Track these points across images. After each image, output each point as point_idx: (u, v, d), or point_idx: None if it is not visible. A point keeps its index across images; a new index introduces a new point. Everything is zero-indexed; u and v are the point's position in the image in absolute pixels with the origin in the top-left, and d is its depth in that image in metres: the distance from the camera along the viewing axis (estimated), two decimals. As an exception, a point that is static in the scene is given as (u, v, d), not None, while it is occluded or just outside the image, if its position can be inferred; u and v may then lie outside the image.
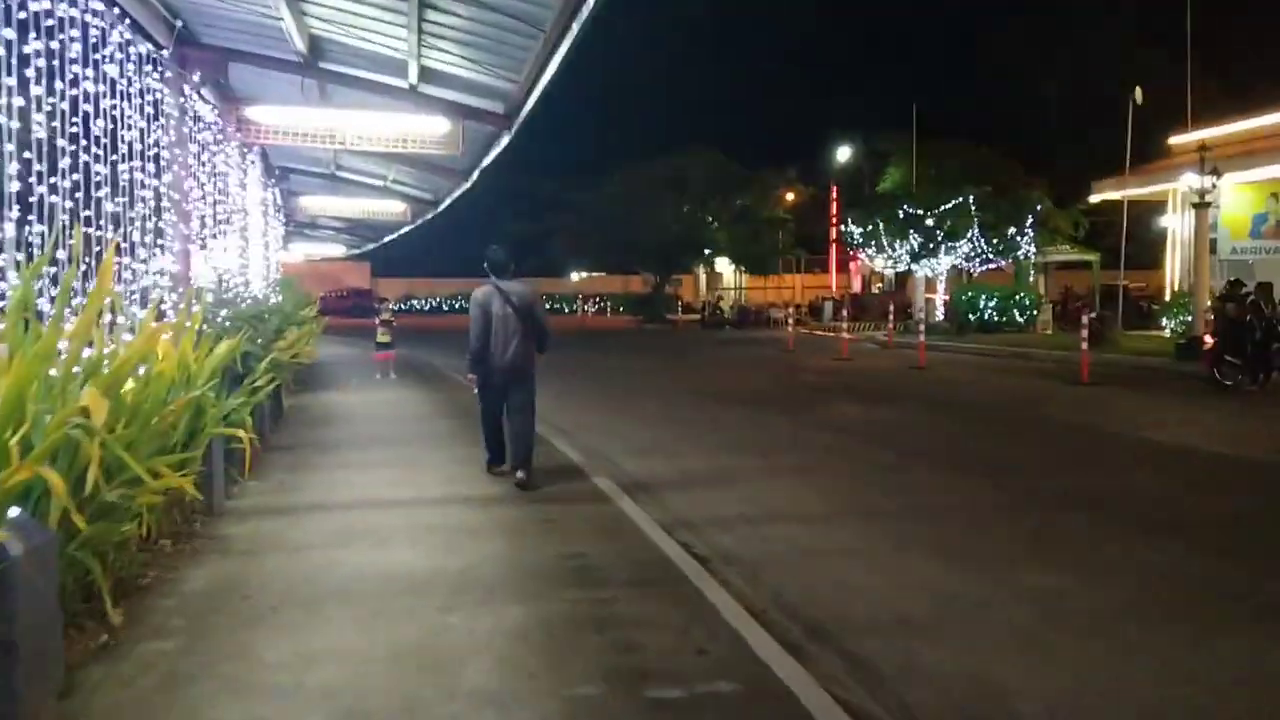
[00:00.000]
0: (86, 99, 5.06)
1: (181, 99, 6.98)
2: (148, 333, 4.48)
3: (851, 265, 41.90)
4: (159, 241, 6.50)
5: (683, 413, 13.90)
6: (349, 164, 15.04)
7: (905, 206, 30.84)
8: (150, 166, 6.35)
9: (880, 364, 22.69)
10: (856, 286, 42.28)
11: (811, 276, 50.69)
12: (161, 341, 5.91)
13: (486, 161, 11.55)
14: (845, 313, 25.27)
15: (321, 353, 25.50)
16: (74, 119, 4.94)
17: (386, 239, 27.33)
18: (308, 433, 11.02)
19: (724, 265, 55.71)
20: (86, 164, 5.11)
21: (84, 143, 5.04)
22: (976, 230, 29.17)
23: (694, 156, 44.91)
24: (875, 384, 18.35)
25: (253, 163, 11.48)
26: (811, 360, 23.75)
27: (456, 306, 64.44)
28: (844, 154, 48.34)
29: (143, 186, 6.21)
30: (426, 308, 66.25)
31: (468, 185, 13.32)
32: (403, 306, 55.41)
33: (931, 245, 30.18)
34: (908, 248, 31.24)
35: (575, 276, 68.61)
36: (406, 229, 22.86)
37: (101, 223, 5.56)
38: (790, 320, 28.35)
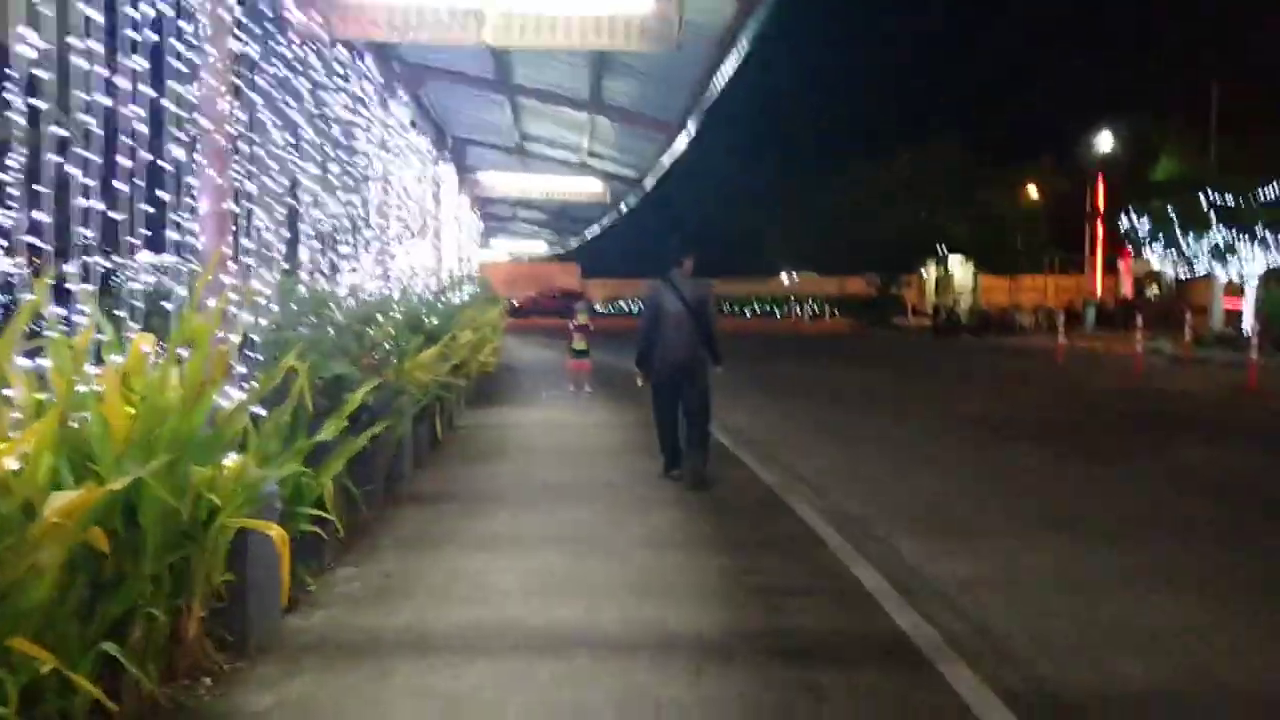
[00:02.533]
0: None
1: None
2: None
3: (1121, 265, 35.98)
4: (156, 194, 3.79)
5: (956, 452, 10.29)
6: (536, 132, 12.39)
7: (1211, 193, 25.12)
8: (138, 61, 3.67)
9: (1191, 385, 17.92)
10: (1126, 289, 36.31)
11: (1064, 278, 44.65)
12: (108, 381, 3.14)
13: (714, 89, 8.11)
14: (1139, 320, 20.43)
15: (523, 356, 23.48)
16: None
17: (589, 233, 24.82)
18: (461, 473, 8.30)
19: (955, 264, 50.37)
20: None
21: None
22: (1312, 223, 23.25)
23: (933, 151, 40.21)
24: (1206, 415, 13.93)
25: (410, 124, 8.93)
26: (1096, 378, 19.26)
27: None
28: (1105, 142, 42.13)
29: (109, 92, 3.51)
30: (634, 310, 64.35)
31: (683, 143, 10.15)
32: (609, 309, 53.67)
33: (1248, 240, 24.41)
34: (1208, 244, 25.58)
35: (786, 278, 64.82)
36: (609, 220, 20.16)
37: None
38: (1060, 328, 23.62)
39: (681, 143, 9.88)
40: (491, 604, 4.78)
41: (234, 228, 4.44)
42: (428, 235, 10.54)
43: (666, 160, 11.24)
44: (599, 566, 5.39)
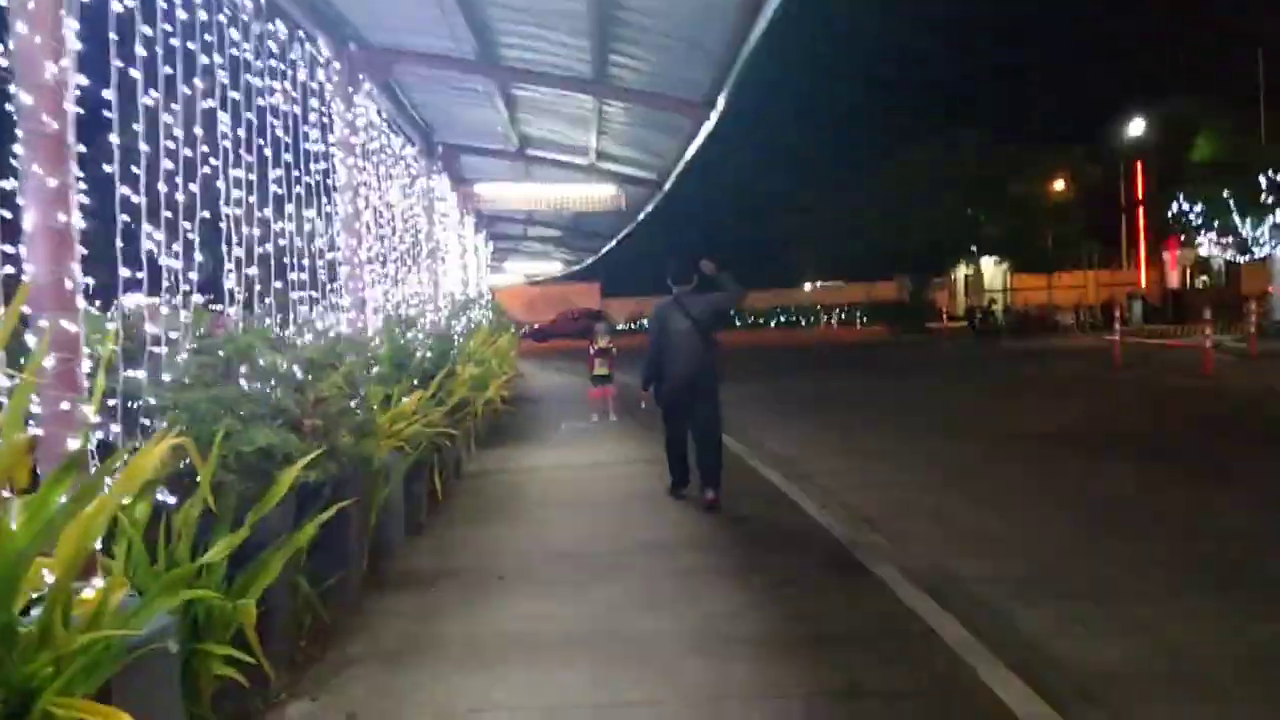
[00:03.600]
0: None
1: None
2: None
3: (1166, 255, 34.13)
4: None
5: (1039, 479, 8.78)
6: (537, 132, 10.90)
7: (1272, 172, 23.43)
8: None
9: (1271, 382, 16.27)
10: (1173, 280, 34.46)
11: (1102, 272, 42.80)
12: None
13: (749, 45, 6.57)
14: (1206, 313, 18.69)
15: (542, 384, 22.13)
16: None
17: (605, 250, 23.27)
18: (466, 539, 6.89)
19: (988, 263, 48.65)
20: None
21: None
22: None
23: (960, 143, 38.58)
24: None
25: (383, 121, 7.56)
26: (1163, 380, 17.63)
27: (688, 324, 60.40)
28: (1137, 127, 40.46)
29: None
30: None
31: (709, 125, 8.53)
32: (632, 326, 52.31)
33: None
34: (1269, 225, 23.88)
35: (809, 286, 63.26)
36: (626, 230, 18.64)
37: None
38: (1116, 326, 21.89)
39: (707, 127, 8.40)
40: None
41: (86, 250, 3.07)
42: (421, 257, 9.20)
43: (691, 151, 9.72)
44: (641, 692, 3.95)
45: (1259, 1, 34.99)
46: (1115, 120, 40.94)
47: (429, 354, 7.70)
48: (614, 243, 21.36)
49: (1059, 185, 41.44)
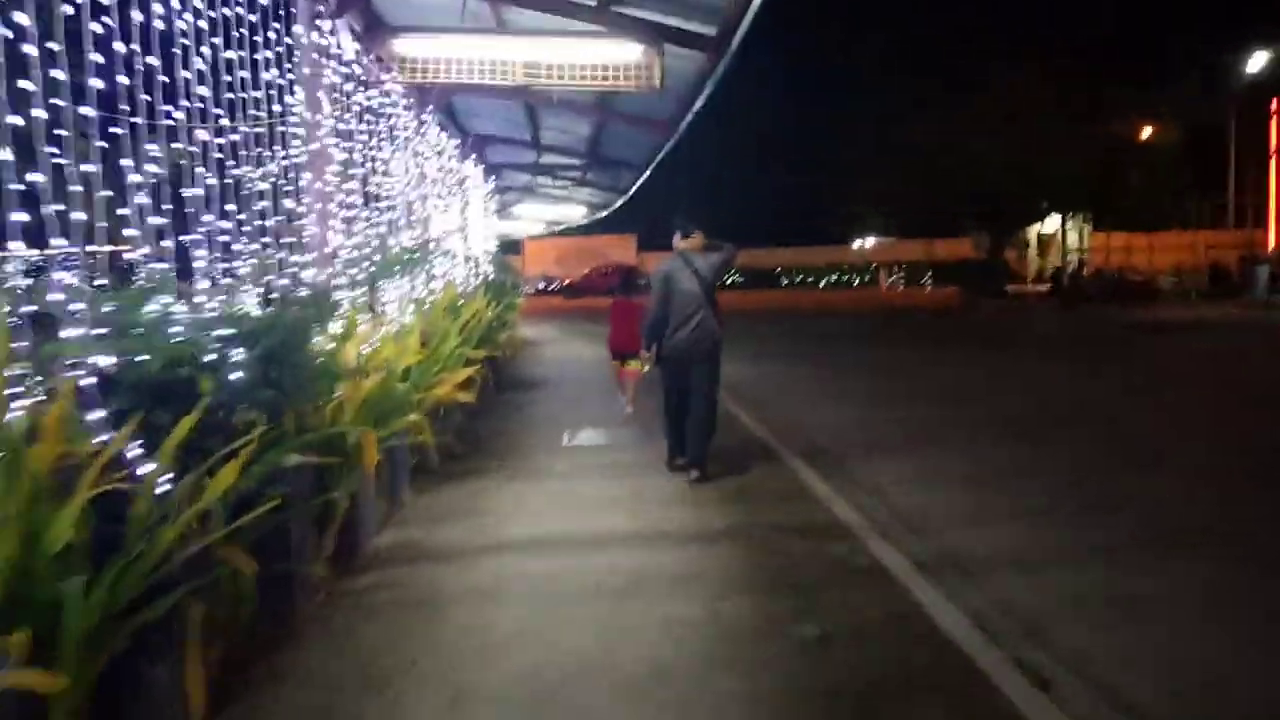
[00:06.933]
0: None
1: None
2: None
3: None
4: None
5: None
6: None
7: None
8: None
9: None
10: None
11: (1209, 234, 37.47)
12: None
13: None
14: None
15: (562, 353, 17.92)
16: None
17: (635, 186, 18.07)
18: None
19: (1056, 221, 43.13)
20: None
21: None
22: None
23: (1047, 69, 33.01)
24: None
25: None
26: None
27: (728, 281, 55.71)
28: (1257, 62, 35.02)
29: None
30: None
31: None
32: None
33: None
34: None
35: (858, 244, 57.94)
36: (668, 148, 13.54)
37: None
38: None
39: None
40: None
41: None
42: (288, 165, 4.91)
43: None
44: None
45: None
46: (1230, 57, 35.46)
47: (198, 367, 3.42)
48: (648, 172, 16.37)
49: (1157, 130, 36.07)
